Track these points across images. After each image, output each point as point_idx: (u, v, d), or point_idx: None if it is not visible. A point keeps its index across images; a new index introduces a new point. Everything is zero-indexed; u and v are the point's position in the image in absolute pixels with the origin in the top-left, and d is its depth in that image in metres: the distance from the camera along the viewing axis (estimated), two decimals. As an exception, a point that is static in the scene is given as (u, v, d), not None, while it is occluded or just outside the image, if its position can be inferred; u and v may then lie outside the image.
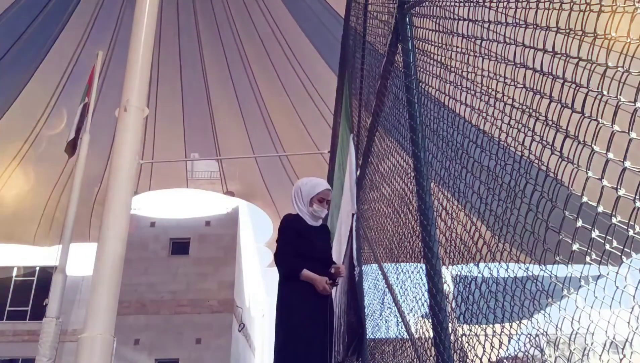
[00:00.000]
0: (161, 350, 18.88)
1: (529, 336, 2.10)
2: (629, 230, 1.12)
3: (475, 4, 1.99)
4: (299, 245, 3.91)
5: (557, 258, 1.28)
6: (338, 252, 6.43)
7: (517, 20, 1.66)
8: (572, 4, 1.31)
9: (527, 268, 1.96)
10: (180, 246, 21.06)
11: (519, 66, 1.66)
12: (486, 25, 1.87)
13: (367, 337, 5.08)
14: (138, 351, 18.80)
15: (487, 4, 1.87)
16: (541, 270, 1.83)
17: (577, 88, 1.29)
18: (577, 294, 1.33)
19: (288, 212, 4.24)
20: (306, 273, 3.80)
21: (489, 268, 2.22)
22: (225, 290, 20.12)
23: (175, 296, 19.74)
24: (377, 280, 4.58)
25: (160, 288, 19.77)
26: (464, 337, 2.48)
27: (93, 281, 3.25)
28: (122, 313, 15.70)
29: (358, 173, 5.31)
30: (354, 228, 5.19)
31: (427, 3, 2.72)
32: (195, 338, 19.20)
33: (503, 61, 1.75)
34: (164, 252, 20.75)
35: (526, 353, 2.11)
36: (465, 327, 2.48)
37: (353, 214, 5.15)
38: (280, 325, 3.89)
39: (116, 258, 3.33)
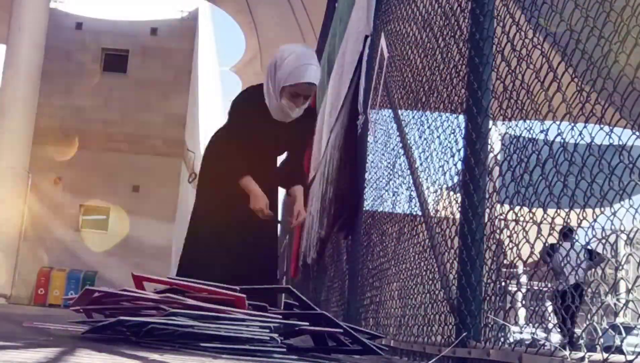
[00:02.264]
0: (88, 194, 19.41)
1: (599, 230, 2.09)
2: None
3: None
4: (244, 136, 3.83)
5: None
6: (337, 90, 6.33)
7: None
8: None
9: (612, 132, 1.88)
10: (115, 61, 20.80)
11: None
12: None
13: (364, 209, 5.17)
14: (59, 192, 19.33)
15: None
16: (638, 137, 1.75)
17: None
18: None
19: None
20: (247, 182, 3.78)
21: (560, 130, 2.15)
22: (174, 126, 20.27)
23: (108, 128, 19.87)
24: (390, 135, 4.54)
25: (89, 115, 19.83)
26: (505, 228, 2.47)
27: (2, 98, 3.14)
28: (38, 143, 15.83)
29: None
30: (364, 57, 5.04)
31: None
32: (131, 184, 19.69)
33: None
34: (94, 66, 20.50)
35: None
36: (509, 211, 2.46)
37: (366, 37, 4.96)
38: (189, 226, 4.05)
39: (31, 68, 3.18)
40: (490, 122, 2.64)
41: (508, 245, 2.38)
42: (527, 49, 2.30)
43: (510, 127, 2.46)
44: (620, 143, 1.84)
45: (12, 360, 1.65)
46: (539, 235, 2.18)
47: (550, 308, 3.81)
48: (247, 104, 3.90)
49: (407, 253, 3.67)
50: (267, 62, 4.05)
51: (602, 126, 1.88)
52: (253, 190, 3.75)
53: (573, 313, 2.34)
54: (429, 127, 3.46)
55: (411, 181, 3.73)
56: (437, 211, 3.18)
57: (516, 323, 2.54)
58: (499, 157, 2.61)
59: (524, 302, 2.56)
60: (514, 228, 2.35)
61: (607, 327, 2.02)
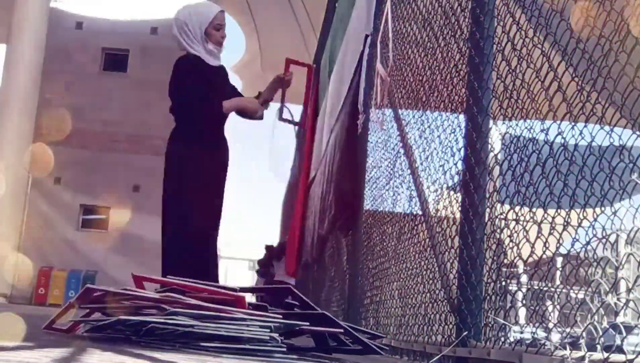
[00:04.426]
0: (88, 193, 19.38)
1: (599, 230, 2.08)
2: None
3: None
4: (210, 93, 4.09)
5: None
6: (338, 90, 6.32)
7: None
8: None
9: (613, 131, 1.87)
10: (115, 61, 20.74)
11: None
12: None
13: (364, 208, 5.15)
14: (59, 191, 19.28)
15: None
16: (638, 136, 1.75)
17: None
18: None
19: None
20: (232, 102, 4.14)
21: (560, 129, 2.14)
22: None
23: (108, 128, 19.82)
24: (390, 136, 4.54)
25: (89, 115, 19.76)
26: (505, 227, 2.46)
27: (2, 97, 3.13)
28: (38, 143, 15.79)
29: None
30: (365, 57, 5.03)
31: None
32: (132, 184, 19.65)
33: None
34: (94, 66, 20.44)
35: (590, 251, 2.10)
36: (510, 211, 2.45)
37: (367, 37, 4.95)
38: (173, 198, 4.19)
39: (31, 68, 3.18)
40: (491, 121, 2.64)
41: (508, 244, 2.38)
42: (528, 48, 2.29)
43: (510, 126, 2.45)
44: (621, 142, 1.84)
45: (16, 360, 1.65)
46: (539, 235, 2.17)
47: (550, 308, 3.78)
48: (191, 64, 4.26)
49: (407, 253, 3.66)
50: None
51: (602, 125, 1.87)
52: (239, 102, 4.23)
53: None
54: (429, 126, 3.45)
55: (411, 181, 3.73)
56: (437, 210, 3.17)
57: (517, 323, 2.53)
58: (499, 156, 2.61)
59: (524, 302, 2.55)
60: (514, 228, 2.34)
61: (608, 327, 2.01)
